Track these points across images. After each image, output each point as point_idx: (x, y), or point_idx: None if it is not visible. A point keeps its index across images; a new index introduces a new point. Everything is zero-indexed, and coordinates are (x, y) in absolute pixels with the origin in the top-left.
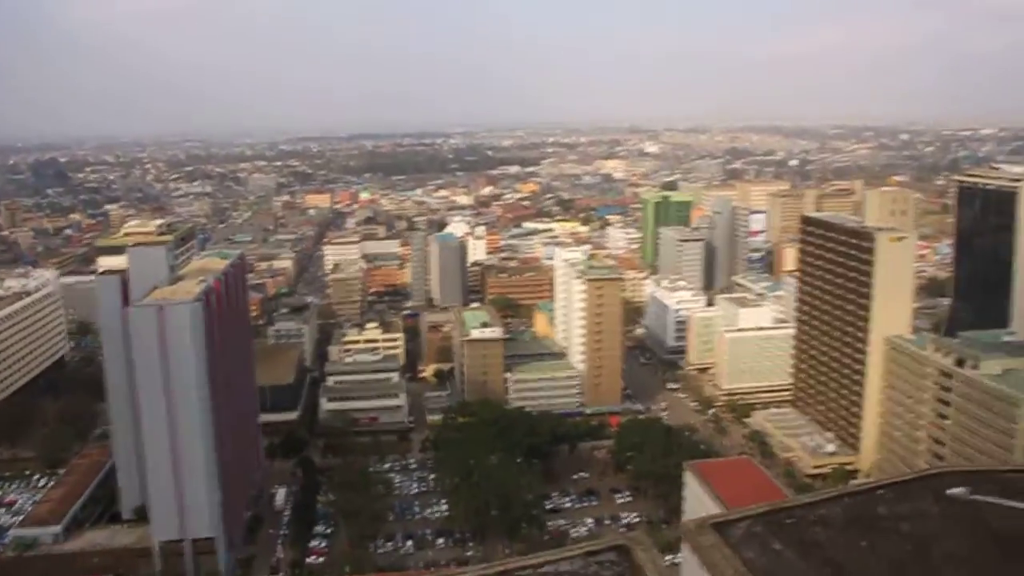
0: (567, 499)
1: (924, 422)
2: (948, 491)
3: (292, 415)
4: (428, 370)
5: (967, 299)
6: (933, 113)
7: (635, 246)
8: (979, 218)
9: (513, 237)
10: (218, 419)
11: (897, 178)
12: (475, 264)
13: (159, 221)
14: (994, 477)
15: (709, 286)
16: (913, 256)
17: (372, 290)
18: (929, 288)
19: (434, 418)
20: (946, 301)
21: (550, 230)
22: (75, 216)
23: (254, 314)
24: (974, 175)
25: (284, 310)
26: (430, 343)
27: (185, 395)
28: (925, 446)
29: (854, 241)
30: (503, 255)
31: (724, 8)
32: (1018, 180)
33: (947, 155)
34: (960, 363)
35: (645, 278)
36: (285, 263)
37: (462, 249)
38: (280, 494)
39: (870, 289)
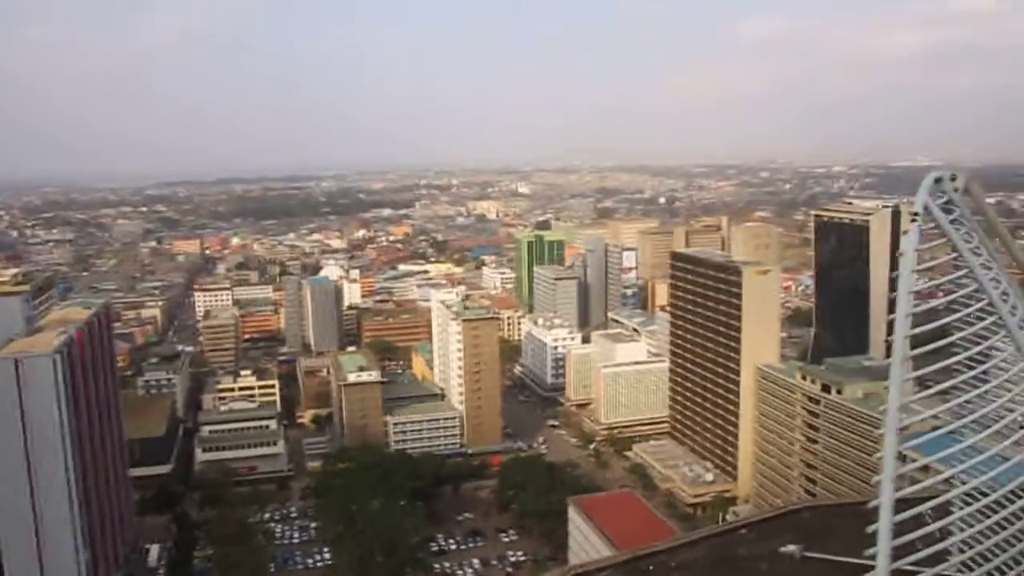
0: (452, 541)
1: (796, 447)
2: (781, 549)
3: (165, 468)
4: (306, 416)
5: (829, 327)
6: (789, 152)
7: (510, 285)
8: (836, 250)
9: (388, 280)
10: (83, 475)
11: (760, 213)
12: (351, 308)
13: (14, 270)
14: (856, 510)
15: (585, 323)
16: (778, 288)
17: (246, 337)
18: (794, 318)
19: (314, 464)
20: (810, 330)
21: (425, 272)
22: None
23: (122, 364)
24: (829, 210)
25: (154, 359)
26: (307, 389)
27: (45, 450)
28: (798, 470)
29: (722, 275)
30: (378, 298)
31: (589, 53)
32: (869, 214)
33: (804, 191)
34: (826, 389)
35: (521, 317)
36: (153, 311)
37: (337, 293)
38: (154, 551)
39: (739, 321)
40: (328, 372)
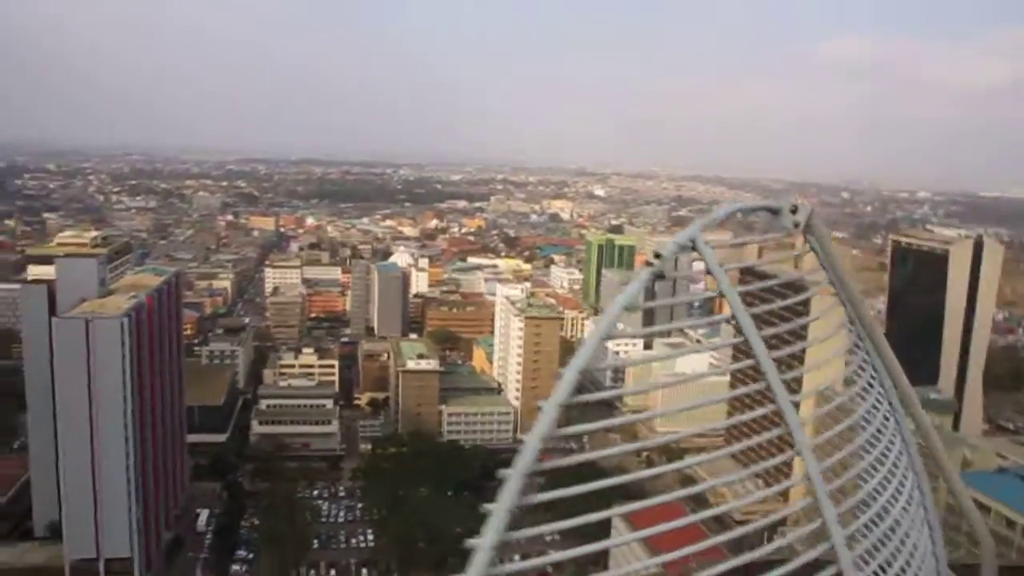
0: None
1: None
2: None
3: (221, 437)
4: (363, 399)
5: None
6: (873, 174)
7: (578, 286)
8: (912, 277)
9: (457, 271)
10: (141, 437)
11: (837, 234)
12: (417, 296)
13: (94, 233)
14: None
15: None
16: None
17: (311, 315)
18: None
19: (366, 447)
20: None
21: (494, 266)
22: (10, 223)
23: (189, 333)
24: (909, 236)
25: (220, 331)
26: (366, 372)
27: (107, 410)
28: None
29: (790, 293)
30: (445, 288)
31: (671, 61)
32: (949, 243)
33: (885, 215)
34: None
35: (586, 318)
36: (224, 283)
37: (404, 280)
38: (203, 516)
39: (804, 342)
40: (388, 357)
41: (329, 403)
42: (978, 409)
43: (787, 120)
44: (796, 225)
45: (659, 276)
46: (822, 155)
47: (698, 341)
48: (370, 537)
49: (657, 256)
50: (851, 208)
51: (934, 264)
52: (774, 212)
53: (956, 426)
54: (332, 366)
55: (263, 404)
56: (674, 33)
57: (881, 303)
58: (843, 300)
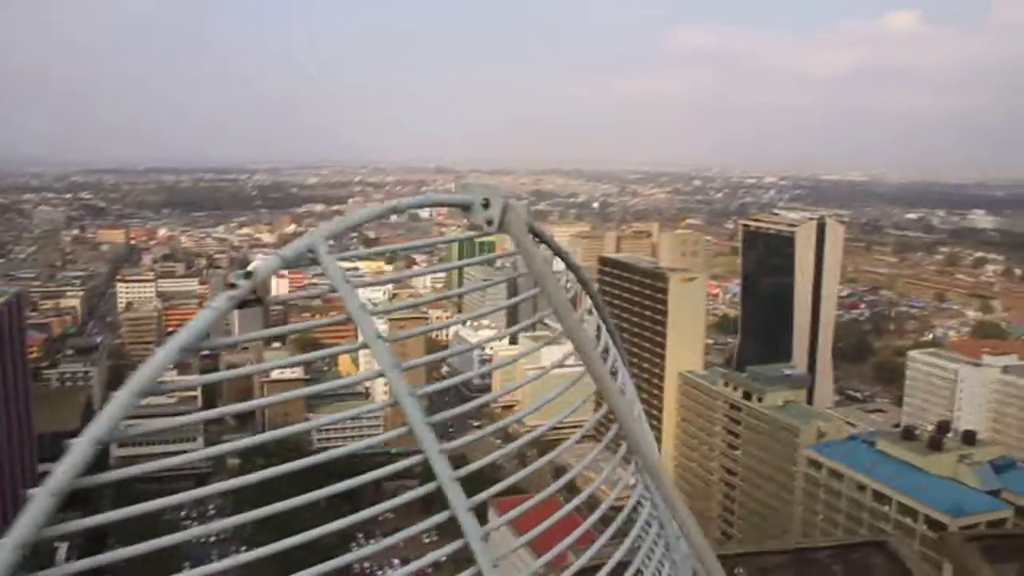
0: (373, 540)
1: (717, 452)
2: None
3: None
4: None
5: (754, 335)
6: (722, 162)
7: (440, 285)
8: (762, 260)
9: (317, 276)
10: None
11: (690, 221)
12: (279, 303)
13: None
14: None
15: (513, 324)
16: (704, 295)
17: (169, 330)
18: (721, 326)
19: (234, 462)
20: (736, 337)
21: (356, 269)
22: None
23: (37, 355)
24: (757, 220)
25: (70, 351)
26: (230, 384)
27: None
28: (718, 476)
29: (648, 281)
30: (306, 294)
31: (528, 57)
32: (795, 225)
33: (735, 201)
34: (747, 396)
35: (449, 316)
36: (73, 301)
37: (264, 288)
38: (62, 550)
39: (665, 327)
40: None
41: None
42: (829, 382)
43: (640, 111)
44: (489, 222)
45: (250, 302)
46: (674, 145)
47: (562, 333)
48: (244, 553)
49: (247, 275)
50: (703, 195)
51: (782, 246)
52: (465, 208)
53: (810, 399)
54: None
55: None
56: (527, 31)
57: (736, 286)
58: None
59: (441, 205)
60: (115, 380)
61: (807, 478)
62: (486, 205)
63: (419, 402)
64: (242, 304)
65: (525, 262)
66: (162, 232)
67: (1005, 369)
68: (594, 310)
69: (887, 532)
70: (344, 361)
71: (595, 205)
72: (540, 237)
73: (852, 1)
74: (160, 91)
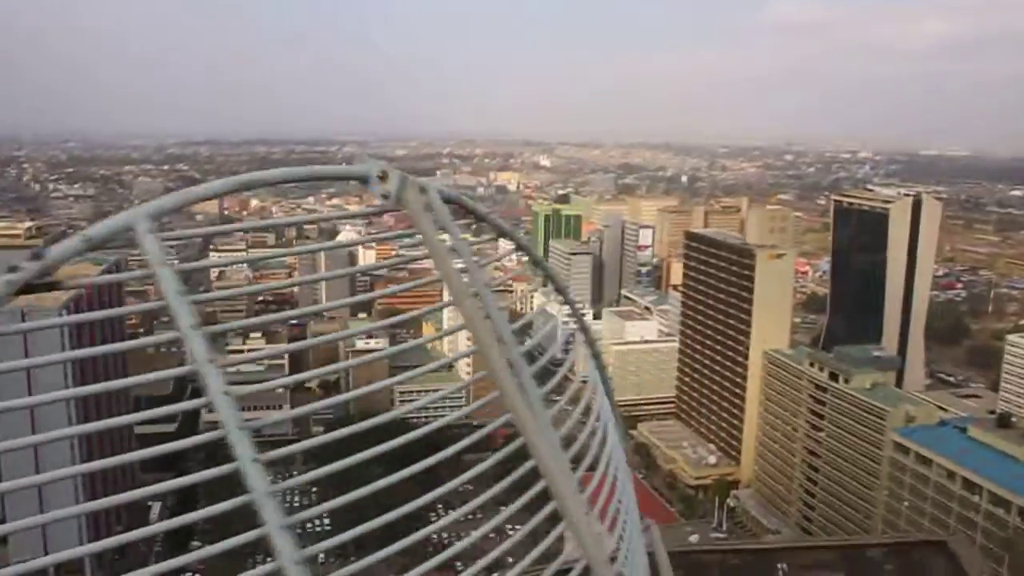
0: (451, 510)
1: (800, 434)
2: None
3: (171, 427)
4: (314, 381)
5: (843, 315)
6: (815, 136)
7: (526, 259)
8: (854, 237)
9: (405, 248)
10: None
11: (781, 196)
12: (365, 274)
13: (28, 224)
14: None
15: (598, 299)
16: (792, 273)
17: (259, 299)
18: (809, 304)
19: (318, 429)
20: (824, 316)
21: (442, 241)
22: None
23: (134, 323)
24: (850, 196)
25: (164, 318)
26: (317, 354)
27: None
28: (800, 457)
29: (735, 257)
30: (393, 264)
31: (613, 28)
32: (889, 202)
33: (828, 176)
34: (834, 377)
35: (534, 291)
36: None
37: (351, 258)
38: (155, 508)
39: (751, 305)
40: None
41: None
42: (920, 364)
43: (730, 85)
44: (386, 196)
45: (40, 286)
46: (765, 118)
47: (647, 309)
48: (326, 521)
49: (35, 256)
50: (794, 170)
51: (875, 223)
52: (363, 181)
53: (900, 383)
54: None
55: None
56: (616, 6)
57: (826, 263)
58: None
59: (333, 179)
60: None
61: (893, 463)
62: (383, 178)
63: (234, 401)
64: (29, 288)
65: (426, 240)
66: (254, 203)
67: None
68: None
69: (948, 531)
70: (429, 333)
71: (683, 179)
72: (475, 213)
73: None
74: (249, 68)
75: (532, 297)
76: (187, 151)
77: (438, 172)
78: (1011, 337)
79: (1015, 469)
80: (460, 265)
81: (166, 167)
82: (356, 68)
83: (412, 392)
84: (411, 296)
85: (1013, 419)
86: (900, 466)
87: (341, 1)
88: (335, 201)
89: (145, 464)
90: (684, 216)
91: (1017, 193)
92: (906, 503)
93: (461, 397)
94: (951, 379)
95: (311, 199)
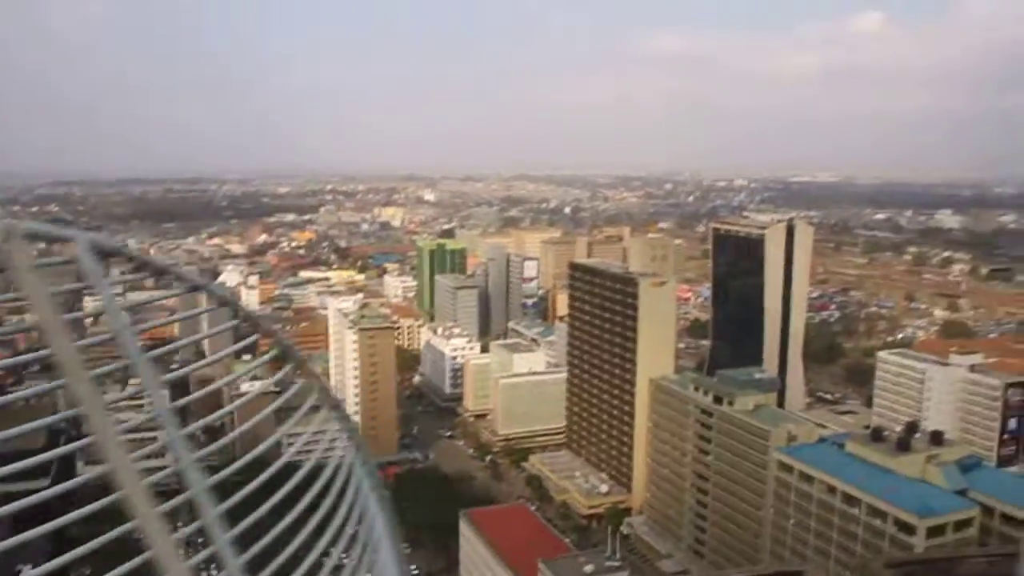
0: (344, 555)
1: (688, 458)
2: None
3: (44, 481)
4: (197, 427)
5: (725, 339)
6: (694, 165)
7: (411, 294)
8: (733, 263)
9: (288, 286)
10: None
11: (662, 225)
12: (248, 317)
13: None
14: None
15: (485, 332)
16: (674, 300)
17: (139, 343)
18: (693, 329)
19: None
20: (708, 341)
21: (326, 279)
22: None
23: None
24: (727, 223)
25: (35, 368)
26: (199, 398)
27: None
28: (690, 481)
29: (618, 286)
30: (277, 305)
31: (493, 63)
32: (764, 228)
33: (706, 204)
34: (718, 400)
35: (421, 326)
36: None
37: (234, 299)
38: (26, 571)
39: (635, 332)
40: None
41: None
42: (800, 384)
43: (613, 116)
44: None
45: None
46: (647, 149)
47: (534, 340)
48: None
49: None
50: (674, 199)
51: (752, 249)
52: None
53: (781, 403)
54: (162, 396)
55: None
56: (498, 37)
57: (707, 289)
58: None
59: None
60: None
61: (778, 481)
62: None
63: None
64: None
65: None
66: (130, 244)
67: (972, 368)
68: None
69: (830, 545)
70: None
71: (567, 210)
72: (150, 265)
73: (817, 3)
74: (127, 102)
75: (419, 332)
76: (59, 191)
77: (322, 208)
78: (881, 354)
79: (889, 480)
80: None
81: (35, 208)
82: (239, 106)
83: (298, 434)
84: (297, 334)
85: (885, 433)
86: (785, 484)
87: (223, 39)
88: (215, 241)
89: (19, 522)
90: (568, 247)
91: (881, 216)
92: (792, 520)
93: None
94: (829, 397)
95: (190, 239)
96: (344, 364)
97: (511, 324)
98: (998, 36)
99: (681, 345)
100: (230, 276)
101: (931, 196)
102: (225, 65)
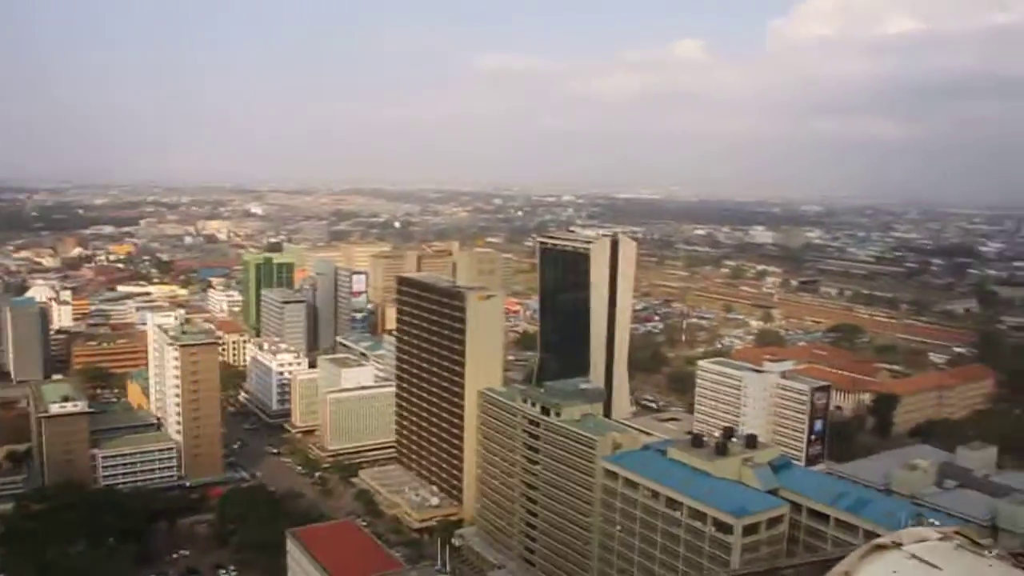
0: None
1: (518, 468)
2: None
3: None
4: (0, 453)
5: (553, 351)
6: (522, 181)
7: (237, 309)
8: (559, 277)
9: (105, 302)
10: None
11: (491, 239)
12: (60, 332)
13: None
14: None
15: (313, 347)
16: (502, 313)
17: None
18: (523, 342)
19: (5, 507)
20: (536, 353)
21: (147, 294)
22: None
23: None
24: (553, 237)
25: None
26: (2, 422)
27: None
28: (519, 491)
29: (446, 300)
30: (93, 321)
31: (328, 78)
32: (590, 242)
33: (535, 218)
34: (545, 411)
35: (247, 341)
36: None
37: (43, 315)
38: None
39: (463, 345)
40: (28, 403)
41: None
42: (625, 393)
43: (443, 132)
44: None
45: None
46: (477, 164)
47: (362, 355)
48: None
49: None
50: (503, 214)
51: (577, 263)
52: None
53: (608, 412)
54: None
55: None
56: (332, 52)
57: (536, 302)
58: None
59: None
60: None
61: (605, 489)
62: None
63: None
64: None
65: None
66: None
67: (783, 375)
68: None
69: (655, 548)
70: (134, 392)
71: (397, 224)
72: None
73: (639, 30)
74: None
75: (245, 347)
76: None
77: (142, 221)
78: (701, 363)
79: (708, 483)
80: None
81: None
82: (50, 111)
83: (115, 456)
84: (115, 352)
85: (705, 438)
86: (611, 491)
87: (40, 34)
88: (23, 254)
89: None
90: (397, 261)
91: (701, 232)
92: (618, 527)
93: (173, 457)
94: (653, 405)
95: None
96: (165, 381)
97: (339, 339)
98: (808, 66)
99: (511, 357)
100: (40, 291)
101: (745, 213)
102: (41, 65)
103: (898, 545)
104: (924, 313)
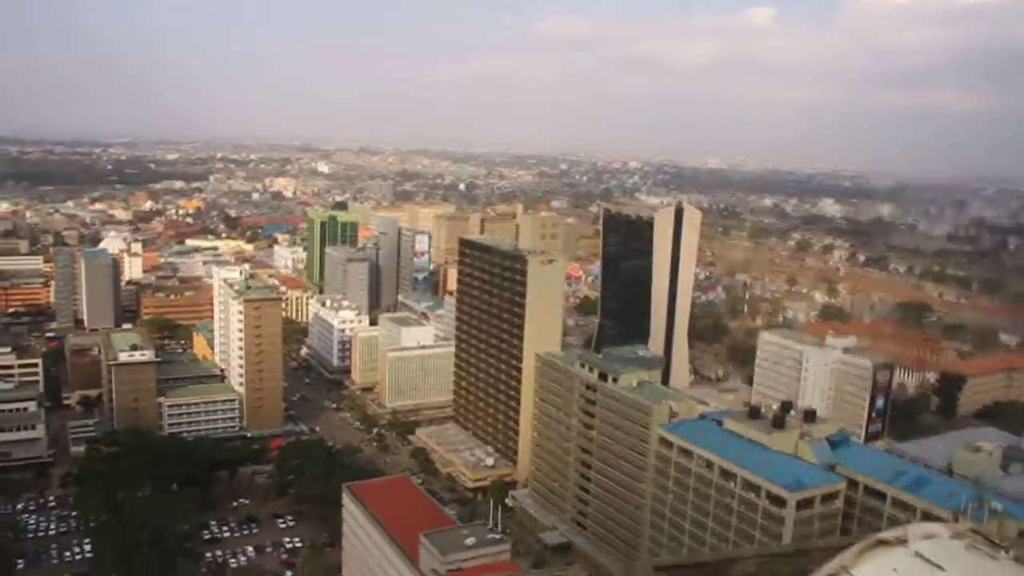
0: (226, 528)
1: (573, 432)
2: None
3: None
4: (73, 397)
5: (613, 317)
6: (589, 147)
7: (302, 265)
8: (622, 244)
9: (174, 255)
10: None
11: (555, 204)
12: (130, 283)
13: None
14: None
15: (375, 306)
16: (562, 278)
17: (9, 310)
18: (583, 307)
19: (78, 449)
20: (596, 319)
21: (214, 248)
22: None
23: None
24: (618, 204)
25: None
26: (76, 368)
27: None
28: (574, 455)
29: (508, 263)
30: (161, 274)
31: (393, 33)
32: (654, 210)
33: (600, 184)
34: (603, 377)
35: (310, 297)
36: None
37: (115, 266)
38: None
39: (523, 309)
40: (99, 351)
41: (32, 405)
42: (684, 363)
43: (512, 96)
44: None
45: None
46: (543, 128)
47: (423, 315)
48: (87, 548)
49: None
50: (568, 178)
51: (641, 230)
52: None
53: (666, 380)
54: (35, 365)
55: None
56: (398, 13)
57: (598, 268)
58: None
59: None
60: None
61: (659, 456)
62: None
63: None
64: None
65: None
66: (3, 207)
67: (845, 350)
68: None
69: (707, 517)
70: (199, 344)
71: (461, 186)
72: None
73: None
74: (4, 56)
75: (308, 303)
76: None
77: (211, 177)
78: (763, 335)
79: (763, 455)
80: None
81: None
82: (124, 69)
83: (181, 405)
84: (182, 304)
85: (762, 410)
86: (665, 459)
87: (109, 3)
88: (97, 206)
89: None
90: (461, 223)
91: (768, 203)
92: (671, 494)
93: (235, 409)
94: (712, 375)
95: (71, 203)
96: (229, 334)
97: (401, 298)
98: (882, 35)
99: (570, 322)
100: (112, 243)
101: (814, 185)
102: (113, 29)
103: (903, 541)
104: (997, 293)
